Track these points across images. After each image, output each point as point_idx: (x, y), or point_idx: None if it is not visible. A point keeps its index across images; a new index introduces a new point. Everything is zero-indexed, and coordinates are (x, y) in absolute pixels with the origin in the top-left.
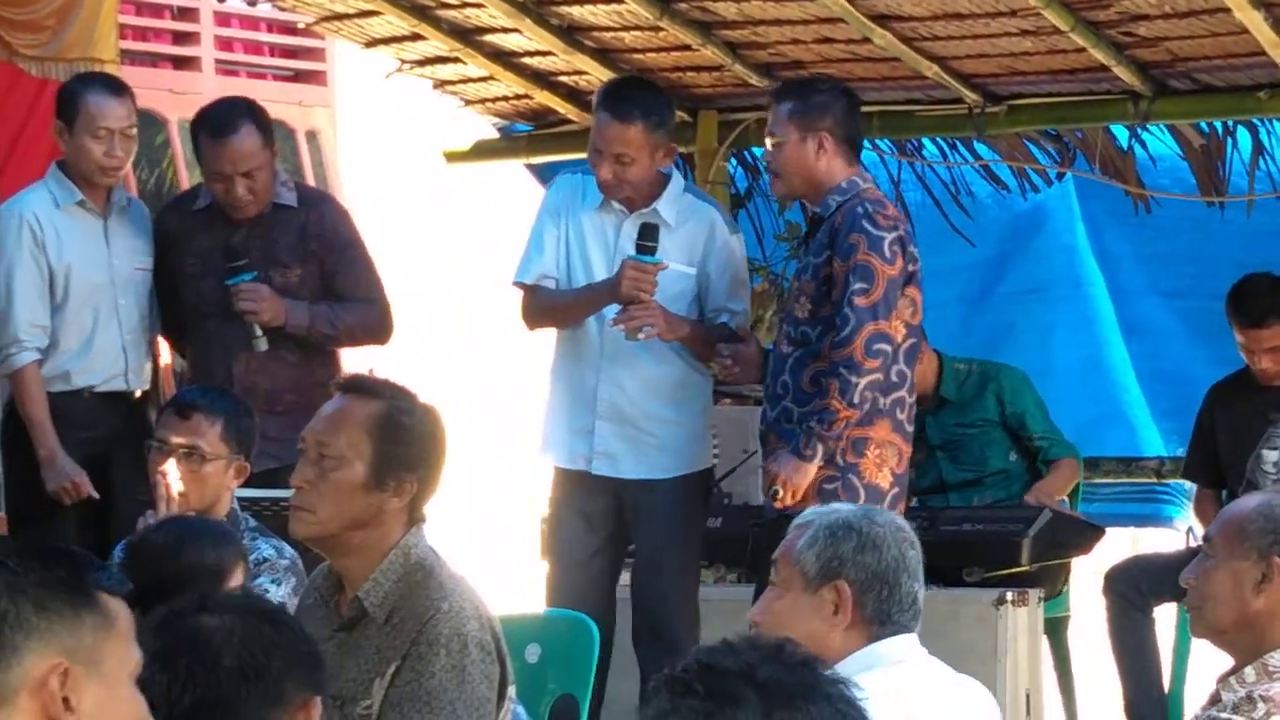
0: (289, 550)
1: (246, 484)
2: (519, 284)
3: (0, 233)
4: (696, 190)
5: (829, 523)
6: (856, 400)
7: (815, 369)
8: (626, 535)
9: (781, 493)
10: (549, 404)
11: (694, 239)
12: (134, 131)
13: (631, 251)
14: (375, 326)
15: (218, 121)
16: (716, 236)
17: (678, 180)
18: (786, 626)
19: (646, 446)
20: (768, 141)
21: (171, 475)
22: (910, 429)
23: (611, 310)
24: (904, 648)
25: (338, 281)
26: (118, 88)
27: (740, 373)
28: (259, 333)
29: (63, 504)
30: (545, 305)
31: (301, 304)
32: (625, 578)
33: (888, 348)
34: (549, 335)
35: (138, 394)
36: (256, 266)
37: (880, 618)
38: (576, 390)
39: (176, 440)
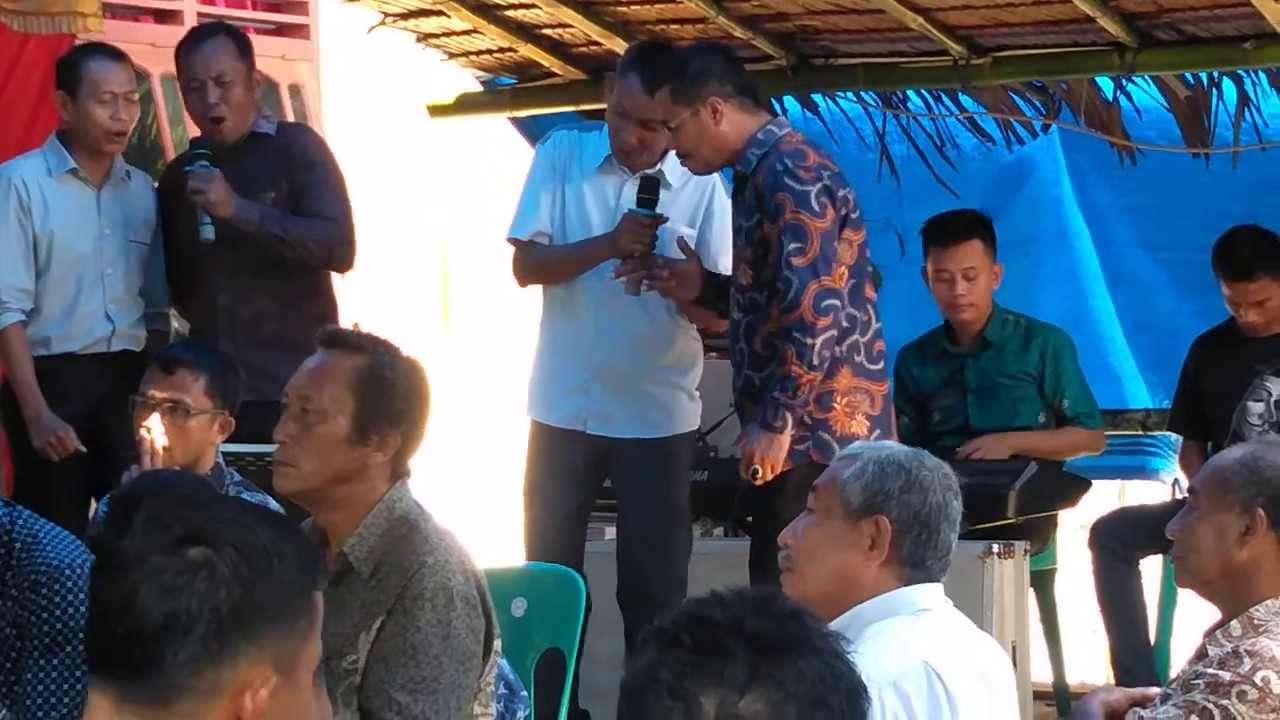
0: (274, 505)
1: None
2: (513, 239)
3: None
4: None
5: (879, 458)
6: (816, 362)
7: (766, 332)
8: (601, 491)
9: (761, 471)
10: (538, 363)
11: (695, 201)
12: (135, 98)
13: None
14: (330, 242)
15: (195, 33)
16: (716, 200)
17: None
18: (819, 553)
19: (642, 406)
20: (664, 131)
21: (155, 430)
22: (875, 368)
23: (609, 266)
24: (932, 596)
25: (303, 201)
26: (117, 54)
27: (677, 287)
28: (207, 220)
29: (50, 460)
30: (540, 261)
31: (255, 203)
32: (610, 532)
33: (836, 301)
34: (536, 291)
35: (137, 350)
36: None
37: (914, 560)
38: (570, 349)
39: (160, 395)
